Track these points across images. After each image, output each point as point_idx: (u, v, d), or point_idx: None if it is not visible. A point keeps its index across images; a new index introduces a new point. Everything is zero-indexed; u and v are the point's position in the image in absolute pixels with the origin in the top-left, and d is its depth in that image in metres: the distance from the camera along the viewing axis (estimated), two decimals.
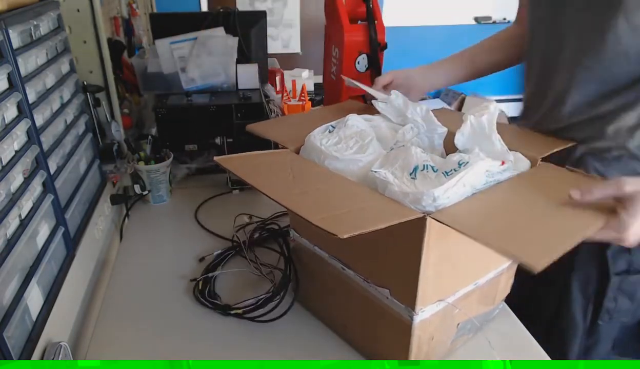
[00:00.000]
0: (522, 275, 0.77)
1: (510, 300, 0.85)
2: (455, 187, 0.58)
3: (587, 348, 0.96)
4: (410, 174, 0.62)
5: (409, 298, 0.61)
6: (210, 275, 0.92)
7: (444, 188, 0.57)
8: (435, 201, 0.56)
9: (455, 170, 0.60)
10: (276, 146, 0.76)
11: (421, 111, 0.79)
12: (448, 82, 1.11)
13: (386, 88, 1.01)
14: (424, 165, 0.62)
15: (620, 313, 0.91)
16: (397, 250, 0.61)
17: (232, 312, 0.82)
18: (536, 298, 0.99)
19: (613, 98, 0.80)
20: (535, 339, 0.82)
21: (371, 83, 1.08)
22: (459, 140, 0.71)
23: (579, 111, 0.84)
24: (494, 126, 0.70)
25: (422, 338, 0.65)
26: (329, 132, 0.74)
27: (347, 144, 0.71)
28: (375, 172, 0.62)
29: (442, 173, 0.61)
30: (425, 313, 0.63)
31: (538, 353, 0.76)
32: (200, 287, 0.89)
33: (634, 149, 0.81)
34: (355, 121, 0.75)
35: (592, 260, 0.89)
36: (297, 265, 0.80)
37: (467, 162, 0.60)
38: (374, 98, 0.87)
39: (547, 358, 0.75)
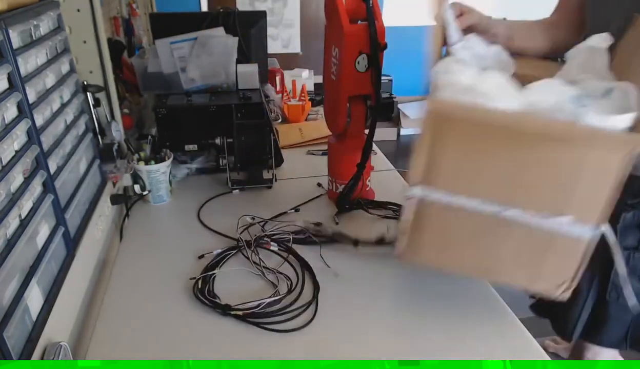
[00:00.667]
0: None
1: None
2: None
3: (594, 326, 0.95)
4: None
5: (594, 218, 0.67)
6: (209, 273, 0.92)
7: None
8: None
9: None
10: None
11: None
12: (519, 48, 1.01)
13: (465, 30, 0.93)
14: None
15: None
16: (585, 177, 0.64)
17: (232, 313, 0.82)
18: None
19: None
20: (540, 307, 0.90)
21: (371, 83, 1.08)
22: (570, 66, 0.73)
23: None
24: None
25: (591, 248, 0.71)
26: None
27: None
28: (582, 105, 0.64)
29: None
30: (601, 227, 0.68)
31: (538, 352, 0.76)
32: (199, 286, 0.89)
33: None
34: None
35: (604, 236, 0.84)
36: (417, 222, 0.76)
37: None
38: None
39: (547, 358, 0.75)
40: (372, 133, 1.10)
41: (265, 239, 1.03)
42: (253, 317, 0.82)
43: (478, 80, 0.69)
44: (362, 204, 1.17)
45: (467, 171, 0.70)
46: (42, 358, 0.65)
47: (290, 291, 0.88)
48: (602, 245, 0.81)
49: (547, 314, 1.08)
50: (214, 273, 0.93)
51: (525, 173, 0.67)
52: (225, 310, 0.83)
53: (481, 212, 0.71)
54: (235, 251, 1.00)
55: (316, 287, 0.90)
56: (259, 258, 0.97)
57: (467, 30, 0.94)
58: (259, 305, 0.83)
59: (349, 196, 1.14)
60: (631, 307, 0.87)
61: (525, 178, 0.66)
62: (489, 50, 0.82)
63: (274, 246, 1.01)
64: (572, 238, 0.69)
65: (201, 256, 0.99)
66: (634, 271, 0.90)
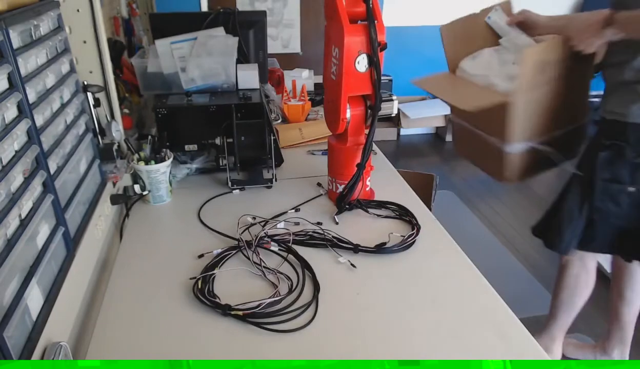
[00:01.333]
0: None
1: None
2: None
3: (587, 239, 1.25)
4: None
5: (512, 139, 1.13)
6: (209, 273, 0.92)
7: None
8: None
9: None
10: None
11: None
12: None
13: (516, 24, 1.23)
14: None
15: (610, 214, 1.19)
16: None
17: (232, 313, 0.82)
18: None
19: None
20: (539, 224, 1.38)
21: (371, 83, 1.08)
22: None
23: None
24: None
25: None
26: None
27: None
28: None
29: None
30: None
31: (538, 353, 0.76)
32: (199, 286, 0.89)
33: None
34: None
35: (587, 167, 1.19)
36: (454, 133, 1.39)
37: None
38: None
39: (547, 357, 0.75)
40: (372, 133, 1.10)
41: (266, 239, 1.03)
42: (253, 317, 0.82)
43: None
44: (362, 204, 1.17)
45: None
46: (42, 358, 0.65)
47: (290, 291, 0.88)
48: (588, 176, 1.17)
49: (542, 236, 1.38)
50: (213, 273, 0.93)
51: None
52: (225, 310, 0.83)
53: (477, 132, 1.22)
54: (235, 251, 1.00)
55: (316, 287, 0.89)
56: (260, 258, 0.97)
57: (519, 25, 1.22)
58: (259, 305, 0.83)
59: (349, 196, 1.15)
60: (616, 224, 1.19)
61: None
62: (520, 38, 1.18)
63: (274, 246, 1.01)
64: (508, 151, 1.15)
65: (201, 256, 0.99)
66: (611, 198, 1.17)
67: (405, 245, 1.01)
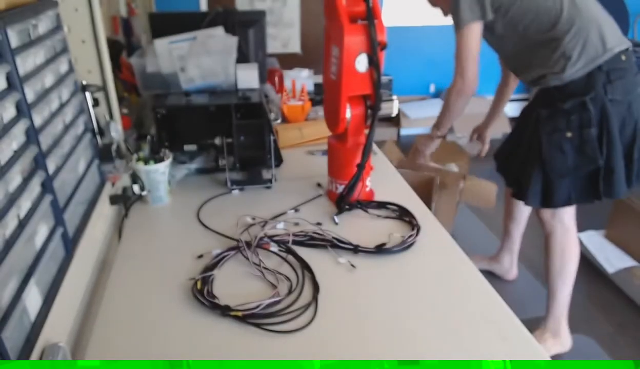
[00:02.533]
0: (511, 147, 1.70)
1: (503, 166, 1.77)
2: None
3: (548, 194, 1.50)
4: None
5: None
6: (208, 274, 0.92)
7: None
8: None
9: None
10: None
11: None
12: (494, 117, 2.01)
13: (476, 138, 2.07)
14: None
15: (558, 162, 1.44)
16: None
17: (232, 313, 0.82)
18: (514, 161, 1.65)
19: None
20: (513, 190, 1.65)
21: (371, 83, 1.08)
22: None
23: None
24: None
25: None
26: None
27: None
28: None
29: None
30: None
31: (538, 353, 0.76)
32: (198, 286, 0.88)
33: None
34: None
35: (535, 130, 1.49)
36: None
37: None
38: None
39: (547, 357, 0.75)
40: (372, 133, 1.10)
41: (265, 239, 1.02)
42: (253, 318, 0.82)
43: None
44: (362, 205, 1.17)
45: None
46: (40, 359, 0.65)
47: (290, 292, 0.88)
48: (537, 140, 1.47)
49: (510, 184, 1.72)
50: (212, 274, 0.92)
51: None
52: (224, 311, 0.82)
53: None
54: (234, 251, 1.00)
55: (316, 288, 0.89)
56: (259, 258, 0.97)
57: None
58: (258, 306, 0.83)
59: (349, 197, 1.14)
60: (564, 172, 1.45)
61: None
62: None
63: (274, 247, 1.01)
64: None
65: (200, 256, 0.99)
66: (555, 146, 1.44)
67: (405, 245, 1.01)
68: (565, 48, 1.39)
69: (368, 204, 1.18)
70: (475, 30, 1.43)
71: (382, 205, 1.18)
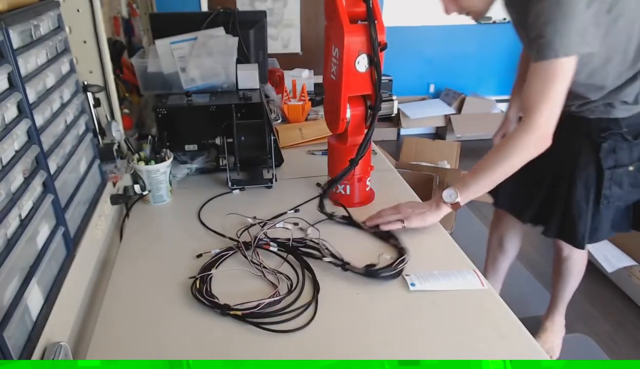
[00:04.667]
0: (535, 183, 1.40)
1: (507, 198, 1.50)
2: None
3: (593, 230, 1.35)
4: None
5: None
6: (207, 273, 0.92)
7: None
8: None
9: None
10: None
11: None
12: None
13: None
14: None
15: (614, 197, 1.30)
16: None
17: (231, 313, 0.82)
18: (548, 199, 1.41)
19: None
20: (552, 228, 1.40)
21: (371, 83, 1.08)
22: None
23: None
24: None
25: None
26: None
27: None
28: None
29: None
30: None
31: (538, 353, 0.76)
32: (197, 286, 0.89)
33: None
34: None
35: (590, 161, 1.29)
36: None
37: None
38: None
39: (547, 357, 0.75)
40: (370, 133, 1.10)
41: (265, 239, 1.02)
42: (252, 317, 0.82)
43: None
44: (350, 221, 1.12)
45: None
46: (42, 358, 0.65)
47: (290, 291, 0.88)
48: (594, 174, 1.29)
49: (561, 235, 1.43)
50: (210, 273, 0.92)
51: None
52: (224, 310, 0.83)
53: None
54: (233, 251, 1.00)
55: (316, 287, 0.89)
56: (259, 258, 0.97)
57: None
58: (258, 305, 0.83)
59: (331, 189, 1.17)
60: (616, 205, 1.33)
61: None
62: None
63: (274, 247, 1.01)
64: None
65: (199, 256, 0.99)
66: (616, 182, 1.28)
67: (394, 271, 0.93)
68: None
69: (352, 222, 1.12)
70: (573, 65, 1.01)
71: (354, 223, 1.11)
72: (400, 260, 0.95)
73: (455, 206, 1.08)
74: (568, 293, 1.71)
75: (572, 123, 1.27)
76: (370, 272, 0.93)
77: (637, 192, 1.32)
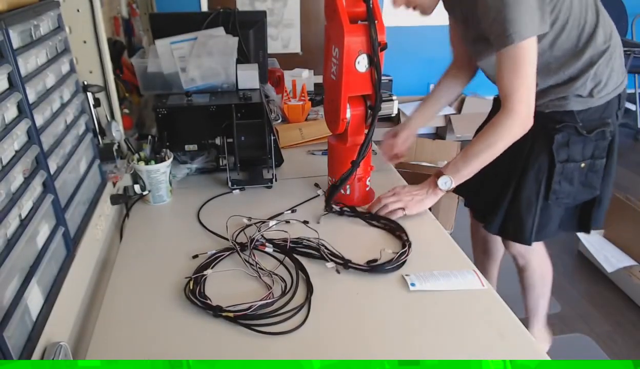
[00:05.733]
0: (486, 175, 1.20)
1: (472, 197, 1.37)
2: None
3: (541, 226, 1.30)
4: None
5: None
6: (200, 274, 0.91)
7: None
8: None
9: None
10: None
11: None
12: (424, 123, 1.54)
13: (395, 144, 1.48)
14: None
15: (564, 194, 1.25)
16: None
17: (223, 314, 0.82)
18: (494, 189, 1.34)
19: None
20: (494, 224, 1.33)
21: (371, 83, 1.08)
22: None
23: None
24: None
25: None
26: None
27: None
28: None
29: None
30: None
31: (538, 353, 0.76)
32: (191, 286, 0.88)
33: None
34: None
35: (542, 153, 1.23)
36: None
37: None
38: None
39: (547, 357, 0.75)
40: (370, 133, 1.10)
41: (261, 240, 1.02)
42: (244, 319, 0.81)
43: None
44: (353, 213, 1.15)
45: None
46: (42, 358, 0.65)
47: (284, 293, 0.88)
48: (545, 166, 1.23)
49: (501, 232, 1.37)
50: (204, 274, 0.92)
51: None
52: (216, 312, 0.82)
53: None
54: (229, 252, 0.99)
55: (309, 289, 0.89)
56: (255, 260, 0.97)
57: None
58: (250, 307, 0.82)
59: (337, 191, 1.14)
60: (565, 203, 1.28)
61: None
62: None
63: (269, 248, 1.00)
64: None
65: (195, 256, 0.99)
66: (566, 177, 1.23)
67: (396, 264, 0.95)
68: (597, 70, 1.15)
69: (359, 214, 1.15)
70: (535, 46, 1.04)
71: (374, 217, 1.13)
72: (402, 252, 0.97)
73: (445, 189, 1.15)
74: (537, 303, 1.59)
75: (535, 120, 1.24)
76: (374, 268, 0.94)
77: (587, 192, 1.28)
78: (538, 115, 1.16)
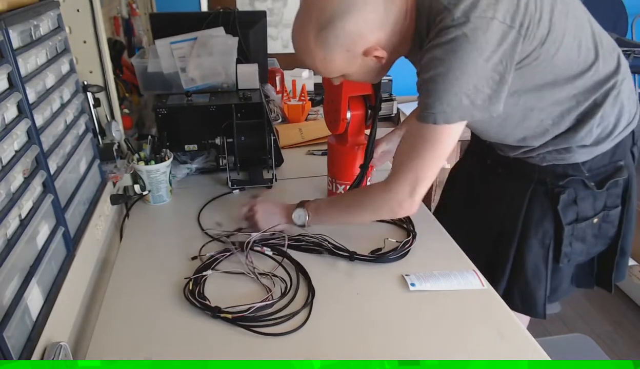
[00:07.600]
0: (483, 236, 1.10)
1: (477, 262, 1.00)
2: None
3: (553, 289, 1.11)
4: None
5: None
6: (200, 275, 0.91)
7: None
8: None
9: None
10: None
11: None
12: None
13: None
14: None
15: (576, 254, 1.07)
16: None
17: (222, 315, 0.82)
18: (485, 246, 1.13)
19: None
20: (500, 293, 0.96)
21: (371, 85, 1.08)
22: None
23: None
24: None
25: None
26: None
27: None
28: None
29: None
30: None
31: (538, 352, 0.76)
32: (190, 287, 0.88)
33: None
34: None
35: (546, 216, 1.04)
36: None
37: None
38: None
39: (547, 357, 0.75)
40: (373, 135, 1.10)
41: (260, 242, 1.01)
42: (243, 320, 0.81)
43: None
44: None
45: None
46: (42, 358, 0.65)
47: (283, 294, 0.88)
48: (551, 230, 1.04)
49: (520, 307, 1.14)
50: (204, 275, 0.92)
51: None
52: (215, 313, 0.82)
53: None
54: (229, 253, 0.99)
55: (311, 290, 0.89)
56: (252, 261, 0.96)
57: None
58: (249, 309, 0.82)
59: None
60: (578, 261, 1.10)
61: None
62: None
63: (268, 251, 1.00)
64: None
65: (194, 258, 0.99)
66: (578, 237, 1.05)
67: (401, 253, 0.98)
68: (603, 113, 0.92)
69: None
70: (458, 132, 0.86)
71: None
72: (406, 241, 0.99)
73: (302, 226, 1.04)
74: None
75: (519, 169, 1.04)
76: (379, 257, 0.96)
77: (601, 243, 1.09)
78: (533, 168, 1.02)
